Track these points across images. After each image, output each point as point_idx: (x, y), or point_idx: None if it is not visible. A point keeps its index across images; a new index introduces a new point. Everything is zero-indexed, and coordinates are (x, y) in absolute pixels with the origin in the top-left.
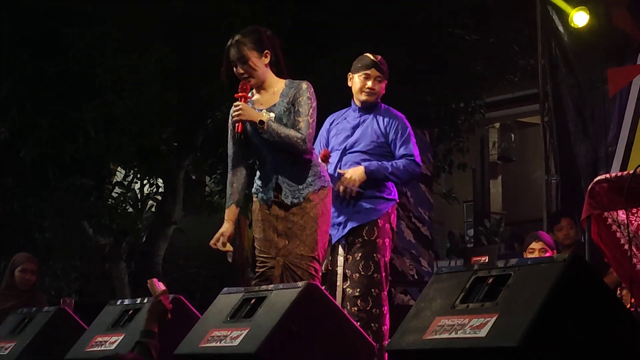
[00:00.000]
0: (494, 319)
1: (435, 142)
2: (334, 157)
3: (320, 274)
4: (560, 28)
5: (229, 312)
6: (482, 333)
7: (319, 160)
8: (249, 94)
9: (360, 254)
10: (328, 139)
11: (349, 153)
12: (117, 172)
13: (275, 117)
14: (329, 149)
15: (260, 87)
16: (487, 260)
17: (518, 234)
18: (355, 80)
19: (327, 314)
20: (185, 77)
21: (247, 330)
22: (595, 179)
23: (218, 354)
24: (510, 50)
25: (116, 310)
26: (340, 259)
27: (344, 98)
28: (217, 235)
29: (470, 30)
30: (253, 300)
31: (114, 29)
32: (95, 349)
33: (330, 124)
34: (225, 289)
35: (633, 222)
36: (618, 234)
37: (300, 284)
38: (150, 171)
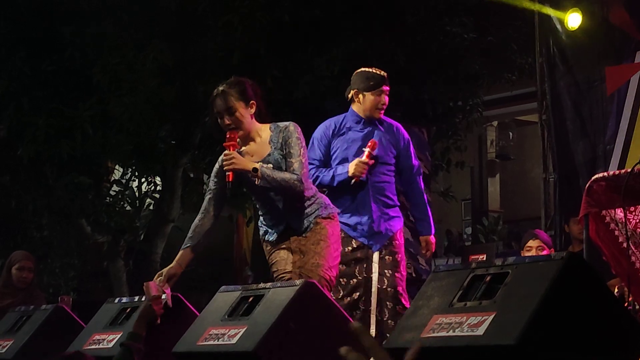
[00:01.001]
0: (491, 317)
1: (433, 140)
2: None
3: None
4: (558, 26)
5: (227, 310)
6: (480, 331)
7: (371, 153)
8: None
9: (391, 258)
10: (329, 147)
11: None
12: (115, 170)
13: (273, 167)
14: (333, 157)
15: (248, 137)
16: (484, 259)
17: (516, 232)
18: (369, 98)
19: (324, 311)
20: (183, 74)
21: (245, 329)
22: (593, 177)
23: (216, 352)
24: (508, 48)
25: (114, 309)
26: (375, 266)
27: (339, 95)
28: (158, 273)
29: (468, 28)
30: (251, 299)
31: (111, 27)
32: (93, 347)
33: (333, 133)
34: (223, 287)
35: (631, 220)
36: (616, 232)
37: (297, 282)
38: (148, 169)
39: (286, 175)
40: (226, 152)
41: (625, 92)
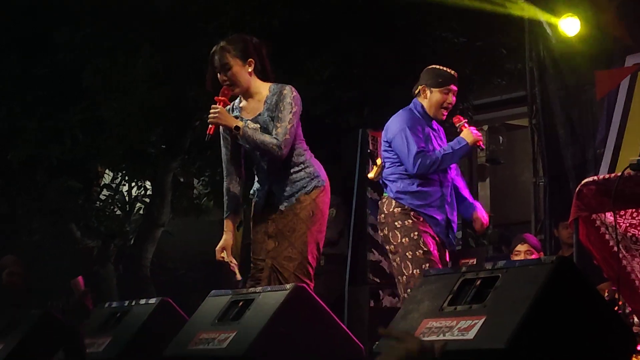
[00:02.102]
0: (481, 320)
1: None
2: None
3: (313, 273)
4: (548, 31)
5: (217, 315)
6: (470, 335)
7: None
8: (238, 102)
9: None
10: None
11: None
12: (105, 175)
13: (260, 127)
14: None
15: (247, 94)
16: (475, 263)
17: (506, 236)
18: (435, 95)
19: (314, 316)
20: (173, 78)
21: (235, 333)
22: (583, 181)
23: (206, 356)
24: (498, 53)
25: (104, 313)
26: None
27: (332, 98)
28: (218, 248)
29: (458, 33)
30: (241, 303)
31: (102, 31)
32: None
33: (420, 124)
34: (214, 291)
35: (621, 223)
36: (607, 236)
37: (288, 286)
38: (138, 173)
39: (266, 139)
40: (213, 105)
41: (615, 96)
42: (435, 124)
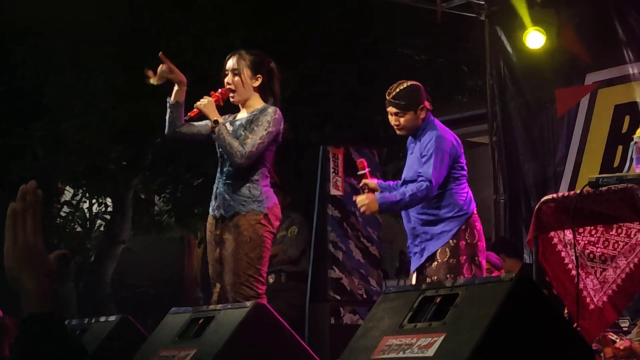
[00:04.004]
0: (441, 338)
1: (384, 161)
2: None
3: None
4: (509, 48)
5: (178, 332)
6: (430, 352)
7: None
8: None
9: (435, 277)
10: None
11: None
12: (66, 191)
13: (232, 130)
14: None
15: (243, 105)
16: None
17: None
18: None
19: (275, 333)
20: (135, 95)
21: (196, 350)
22: (543, 199)
23: None
24: (459, 70)
25: None
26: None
27: (295, 119)
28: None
29: (419, 50)
30: (201, 320)
31: (63, 47)
32: None
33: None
34: (174, 308)
35: (580, 241)
36: (563, 254)
37: (248, 303)
38: (99, 190)
39: (235, 143)
40: (206, 96)
41: (576, 114)
42: (410, 140)
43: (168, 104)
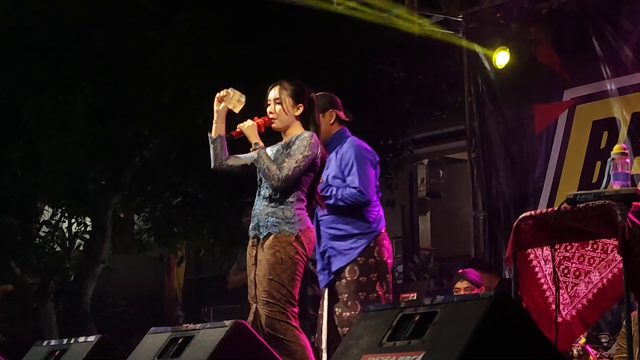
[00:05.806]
0: (420, 356)
1: None
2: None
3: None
4: (487, 65)
5: (157, 352)
6: None
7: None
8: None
9: (346, 295)
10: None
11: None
12: (45, 211)
13: (271, 154)
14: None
15: (285, 133)
16: (415, 297)
17: (447, 269)
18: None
19: (254, 352)
20: (113, 115)
21: None
22: (521, 217)
23: None
24: (438, 87)
25: (43, 351)
26: (325, 303)
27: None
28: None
29: (398, 67)
30: (180, 340)
31: (40, 67)
32: None
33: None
34: (153, 328)
35: (555, 257)
36: (537, 269)
37: (227, 322)
38: (78, 210)
39: (273, 167)
40: (250, 119)
41: (554, 130)
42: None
43: (210, 139)
